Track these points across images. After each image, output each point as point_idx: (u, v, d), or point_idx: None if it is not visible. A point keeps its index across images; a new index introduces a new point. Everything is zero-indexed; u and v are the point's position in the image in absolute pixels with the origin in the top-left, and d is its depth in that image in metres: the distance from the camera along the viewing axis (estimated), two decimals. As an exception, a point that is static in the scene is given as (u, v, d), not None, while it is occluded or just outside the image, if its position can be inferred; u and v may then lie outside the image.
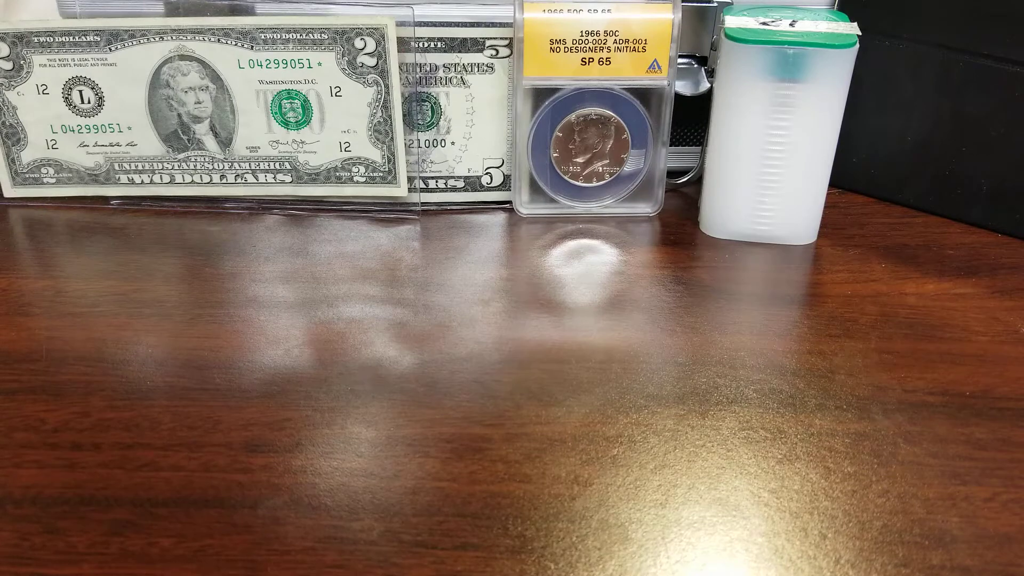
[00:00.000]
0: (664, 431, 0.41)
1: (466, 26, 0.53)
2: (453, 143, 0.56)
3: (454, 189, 0.58)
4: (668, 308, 0.49)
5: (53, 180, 0.57)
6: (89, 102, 0.55)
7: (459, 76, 0.55)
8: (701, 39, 0.56)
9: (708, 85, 0.56)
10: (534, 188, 0.57)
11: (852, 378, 0.44)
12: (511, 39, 0.53)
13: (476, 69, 0.54)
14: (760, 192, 0.53)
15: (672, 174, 0.58)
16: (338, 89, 0.54)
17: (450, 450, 0.40)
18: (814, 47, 0.49)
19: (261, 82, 0.54)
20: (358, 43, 0.53)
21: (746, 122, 0.52)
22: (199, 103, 0.55)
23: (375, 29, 0.52)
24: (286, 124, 0.55)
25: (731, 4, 0.54)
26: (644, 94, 0.54)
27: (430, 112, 0.56)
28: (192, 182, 0.57)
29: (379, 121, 0.55)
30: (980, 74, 0.53)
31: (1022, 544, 0.36)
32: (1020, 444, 0.40)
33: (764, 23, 0.51)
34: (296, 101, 0.55)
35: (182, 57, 0.54)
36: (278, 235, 0.55)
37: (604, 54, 0.53)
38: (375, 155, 0.56)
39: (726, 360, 0.45)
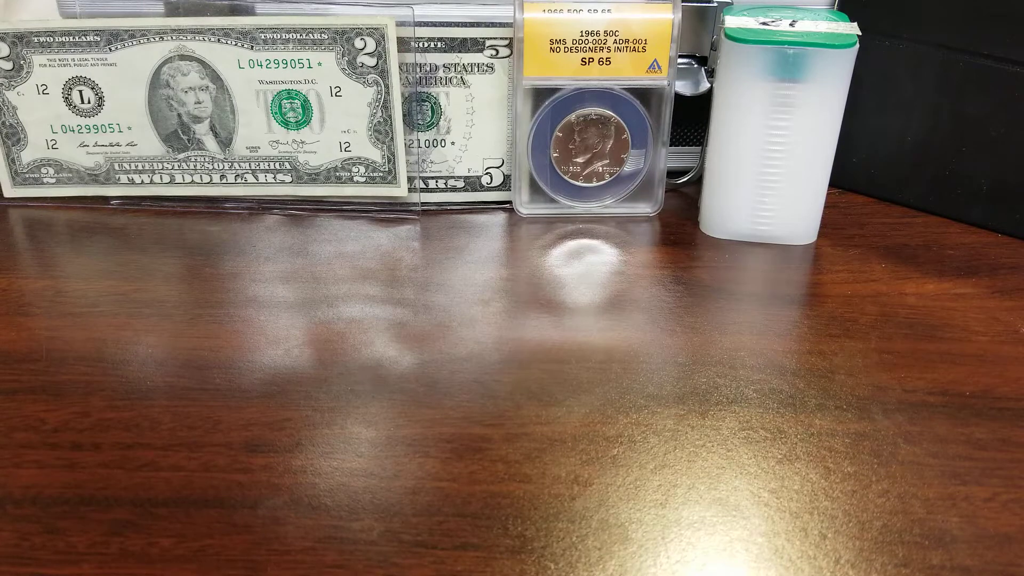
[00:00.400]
0: (664, 431, 0.41)
1: (466, 26, 0.53)
2: (453, 143, 0.56)
3: (454, 189, 0.58)
4: (668, 308, 0.49)
5: (53, 180, 0.57)
6: (89, 102, 0.55)
7: (459, 76, 0.55)
8: (701, 39, 0.56)
9: (708, 85, 0.56)
10: (534, 188, 0.57)
11: (852, 378, 0.44)
12: (511, 39, 0.53)
13: (476, 69, 0.54)
14: (760, 192, 0.53)
15: (672, 174, 0.58)
16: (338, 89, 0.54)
17: (450, 450, 0.40)
18: (814, 47, 0.49)
19: (261, 82, 0.54)
20: (358, 43, 0.53)
21: (746, 122, 0.51)
22: (199, 103, 0.55)
23: (375, 29, 0.52)
24: (286, 124, 0.55)
25: (731, 4, 0.54)
26: (644, 94, 0.54)
27: (430, 112, 0.56)
28: (192, 182, 0.57)
29: (379, 121, 0.55)
30: (980, 74, 0.53)
31: (1022, 544, 0.36)
32: (1020, 444, 0.40)
33: (764, 23, 0.51)
34: (296, 101, 0.55)
35: (182, 57, 0.54)
36: (278, 235, 0.55)
37: (604, 54, 0.53)
38: (375, 155, 0.56)
39: (726, 360, 0.45)
